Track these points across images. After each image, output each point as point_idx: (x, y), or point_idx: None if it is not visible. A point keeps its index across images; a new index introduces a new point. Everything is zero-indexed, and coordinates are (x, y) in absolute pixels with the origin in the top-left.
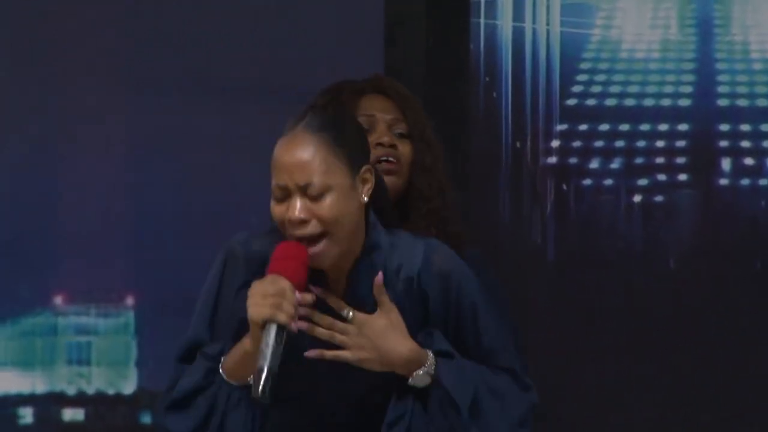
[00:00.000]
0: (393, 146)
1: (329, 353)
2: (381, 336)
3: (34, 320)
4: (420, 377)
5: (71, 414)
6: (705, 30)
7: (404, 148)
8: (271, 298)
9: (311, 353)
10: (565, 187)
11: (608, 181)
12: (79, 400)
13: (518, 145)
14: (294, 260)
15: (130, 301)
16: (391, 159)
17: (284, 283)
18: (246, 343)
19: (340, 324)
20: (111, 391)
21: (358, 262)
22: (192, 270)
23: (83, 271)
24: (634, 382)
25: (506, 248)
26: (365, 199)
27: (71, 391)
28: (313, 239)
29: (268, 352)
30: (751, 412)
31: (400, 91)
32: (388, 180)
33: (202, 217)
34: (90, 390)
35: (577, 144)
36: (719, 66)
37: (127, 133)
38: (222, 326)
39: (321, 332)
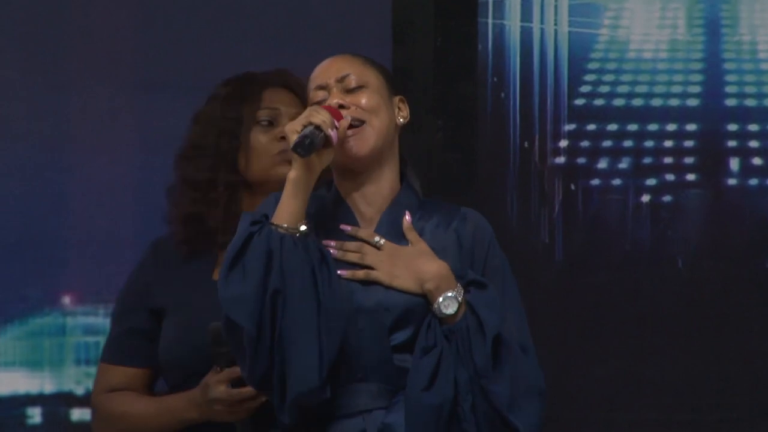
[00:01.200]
0: None
1: (360, 273)
2: (412, 258)
3: (42, 320)
4: (448, 300)
5: (79, 414)
6: (713, 30)
7: None
8: (306, 112)
9: (343, 272)
10: (573, 187)
11: (616, 181)
12: (88, 400)
13: (526, 145)
14: (329, 109)
15: None
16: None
17: (319, 107)
18: (290, 173)
19: (369, 247)
20: None
21: (392, 204)
22: None
23: (91, 272)
24: (642, 381)
25: (514, 248)
26: (401, 121)
27: (80, 391)
28: (351, 125)
29: (308, 131)
30: (759, 412)
31: (304, 87)
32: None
33: None
34: None
35: (585, 144)
36: (727, 66)
37: (135, 133)
38: None
39: (351, 255)
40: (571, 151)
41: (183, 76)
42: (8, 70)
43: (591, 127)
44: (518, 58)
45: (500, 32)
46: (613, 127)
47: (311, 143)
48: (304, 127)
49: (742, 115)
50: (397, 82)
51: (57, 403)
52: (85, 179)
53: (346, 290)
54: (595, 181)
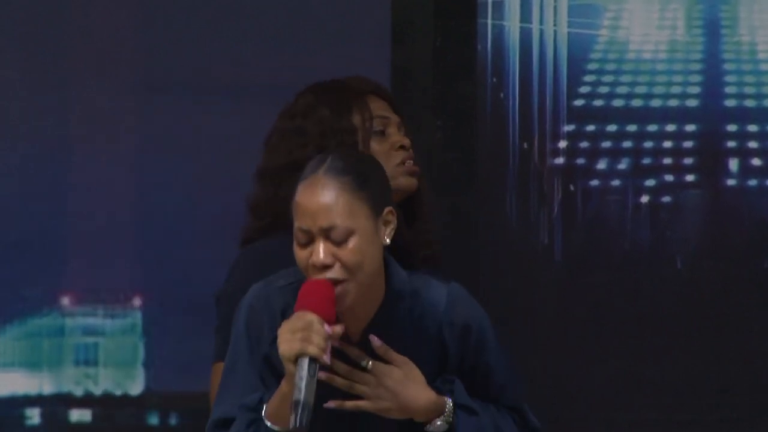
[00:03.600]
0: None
1: (349, 404)
2: (400, 385)
3: (41, 321)
4: (438, 426)
5: (78, 415)
6: (712, 30)
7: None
8: (300, 333)
9: (331, 404)
10: (572, 187)
11: (615, 182)
12: (87, 400)
13: (525, 145)
14: (321, 296)
15: (137, 301)
16: (413, 161)
17: (312, 317)
18: (283, 385)
19: (358, 373)
20: (118, 392)
21: (379, 312)
22: (199, 271)
23: (90, 272)
24: (642, 382)
25: (513, 249)
26: (387, 241)
27: (78, 391)
28: (335, 282)
29: (303, 384)
30: (759, 412)
31: (387, 91)
32: (412, 183)
33: (210, 218)
34: (97, 391)
35: (584, 145)
36: (727, 66)
37: (134, 134)
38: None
39: (340, 382)
40: (571, 152)
41: (183, 76)
42: (8, 69)
43: (590, 127)
44: (517, 59)
45: (499, 33)
46: (612, 127)
47: (308, 414)
48: (297, 356)
49: (742, 115)
50: (396, 83)
51: (56, 403)
52: (84, 180)
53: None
54: (595, 182)
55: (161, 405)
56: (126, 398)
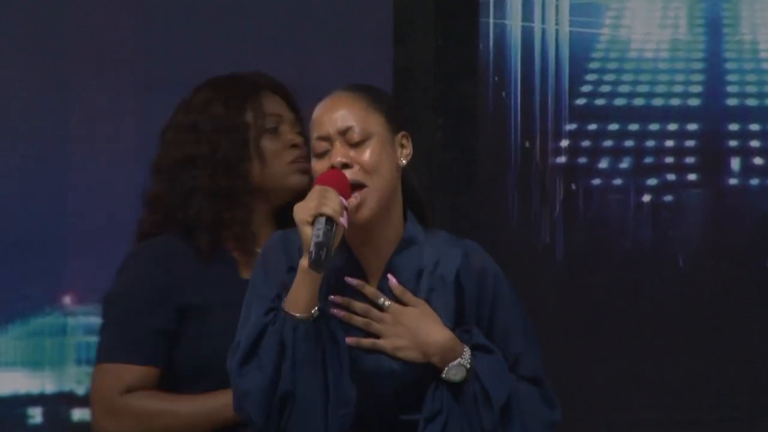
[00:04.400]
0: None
1: (366, 341)
2: (417, 324)
3: (43, 320)
4: (455, 368)
5: (80, 414)
6: (714, 29)
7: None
8: (315, 199)
9: (350, 340)
10: (574, 186)
11: (617, 181)
12: (89, 400)
13: (527, 144)
14: (337, 179)
15: None
16: (305, 159)
17: (327, 187)
18: (298, 277)
19: (375, 312)
20: None
21: (395, 254)
22: None
23: (92, 271)
24: (642, 382)
25: (515, 248)
26: (403, 162)
27: (80, 391)
28: (354, 186)
29: (321, 233)
30: (759, 412)
31: (285, 88)
32: (303, 181)
33: None
34: None
35: (586, 144)
36: (728, 65)
37: (136, 132)
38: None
39: (357, 320)
40: (572, 151)
41: (183, 76)
42: (8, 69)
43: (592, 126)
44: (519, 58)
45: (501, 32)
46: (614, 126)
47: (327, 254)
48: (315, 218)
49: (743, 114)
50: (397, 83)
51: (58, 403)
52: (84, 179)
53: (352, 356)
54: (596, 181)
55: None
56: None
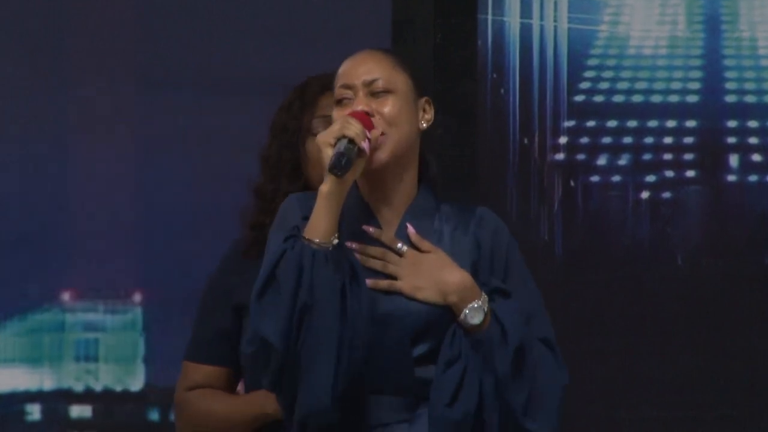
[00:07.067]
0: None
1: (383, 283)
2: (434, 267)
3: (41, 317)
4: (474, 311)
5: (79, 411)
6: (713, 26)
7: None
8: (339, 123)
9: (368, 282)
10: (572, 183)
11: (616, 178)
12: (87, 396)
13: (526, 141)
14: (358, 115)
15: (137, 297)
16: None
17: (351, 117)
18: (317, 203)
19: (393, 255)
20: (118, 388)
21: (412, 204)
22: (200, 267)
23: (91, 268)
24: (642, 379)
25: None
26: (424, 125)
27: (79, 387)
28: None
29: (342, 146)
30: (759, 410)
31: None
32: None
33: (210, 214)
34: (97, 387)
35: (584, 140)
36: (727, 62)
37: (135, 131)
38: None
39: (374, 262)
40: (571, 148)
41: (183, 75)
42: (8, 69)
43: (590, 123)
44: (518, 55)
45: (500, 29)
46: (612, 123)
47: (347, 162)
48: (337, 140)
49: (742, 111)
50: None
51: (56, 399)
52: (85, 177)
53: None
54: (595, 178)
55: (162, 401)
56: (126, 394)
